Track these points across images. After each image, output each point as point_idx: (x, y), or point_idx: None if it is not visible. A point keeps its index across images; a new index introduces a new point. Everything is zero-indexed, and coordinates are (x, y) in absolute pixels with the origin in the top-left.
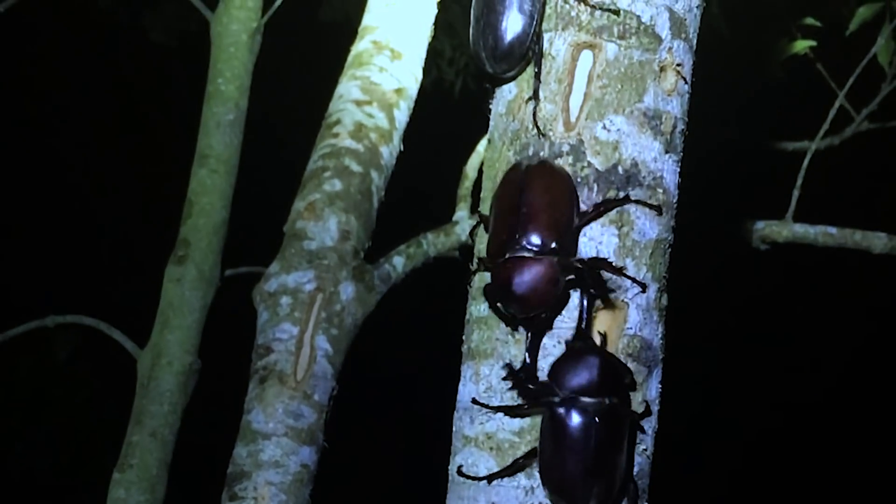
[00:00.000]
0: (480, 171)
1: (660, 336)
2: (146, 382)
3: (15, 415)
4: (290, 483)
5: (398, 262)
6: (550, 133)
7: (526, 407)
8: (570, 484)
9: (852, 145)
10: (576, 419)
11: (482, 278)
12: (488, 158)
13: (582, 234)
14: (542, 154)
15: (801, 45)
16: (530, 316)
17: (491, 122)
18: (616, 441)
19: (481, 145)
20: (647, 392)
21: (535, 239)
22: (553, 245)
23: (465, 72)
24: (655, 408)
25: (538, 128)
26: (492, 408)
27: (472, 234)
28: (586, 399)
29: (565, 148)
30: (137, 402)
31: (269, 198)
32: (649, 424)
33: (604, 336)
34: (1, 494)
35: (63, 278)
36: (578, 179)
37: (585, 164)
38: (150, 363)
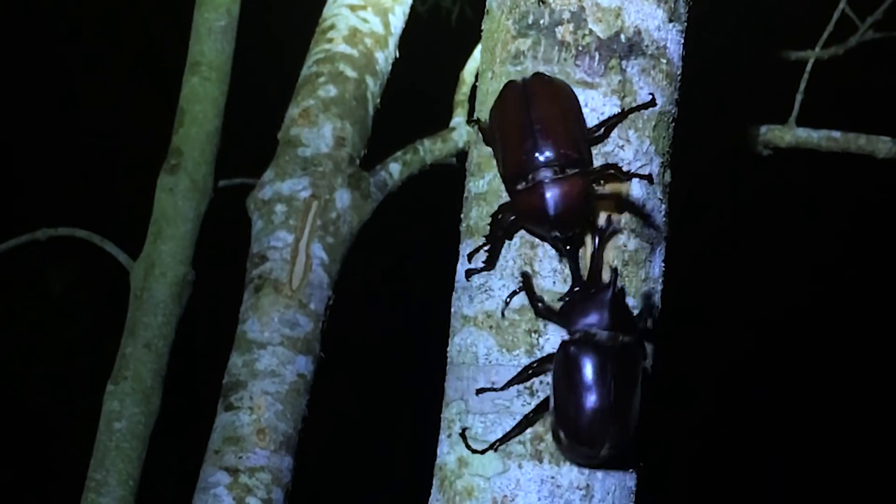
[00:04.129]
0: (477, 76)
1: (663, 213)
2: (139, 294)
3: (13, 352)
4: (286, 393)
5: (395, 169)
6: (550, 0)
7: (536, 366)
8: (586, 424)
9: (857, 55)
10: (591, 356)
11: (480, 153)
12: (487, 30)
13: (584, 104)
14: (542, 22)
15: None
16: (568, 236)
17: None
18: (631, 380)
19: (478, 51)
20: (651, 270)
21: (557, 155)
22: (576, 158)
23: None
24: (659, 287)
25: None
26: (496, 389)
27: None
28: (601, 336)
29: (566, 15)
30: (131, 314)
31: (263, 106)
32: (653, 304)
33: (615, 270)
34: (1, 433)
35: (54, 191)
36: (580, 48)
37: (587, 31)
38: (144, 274)
